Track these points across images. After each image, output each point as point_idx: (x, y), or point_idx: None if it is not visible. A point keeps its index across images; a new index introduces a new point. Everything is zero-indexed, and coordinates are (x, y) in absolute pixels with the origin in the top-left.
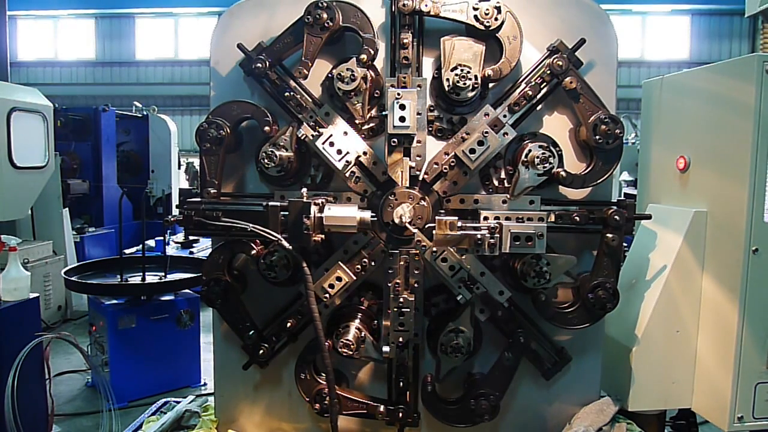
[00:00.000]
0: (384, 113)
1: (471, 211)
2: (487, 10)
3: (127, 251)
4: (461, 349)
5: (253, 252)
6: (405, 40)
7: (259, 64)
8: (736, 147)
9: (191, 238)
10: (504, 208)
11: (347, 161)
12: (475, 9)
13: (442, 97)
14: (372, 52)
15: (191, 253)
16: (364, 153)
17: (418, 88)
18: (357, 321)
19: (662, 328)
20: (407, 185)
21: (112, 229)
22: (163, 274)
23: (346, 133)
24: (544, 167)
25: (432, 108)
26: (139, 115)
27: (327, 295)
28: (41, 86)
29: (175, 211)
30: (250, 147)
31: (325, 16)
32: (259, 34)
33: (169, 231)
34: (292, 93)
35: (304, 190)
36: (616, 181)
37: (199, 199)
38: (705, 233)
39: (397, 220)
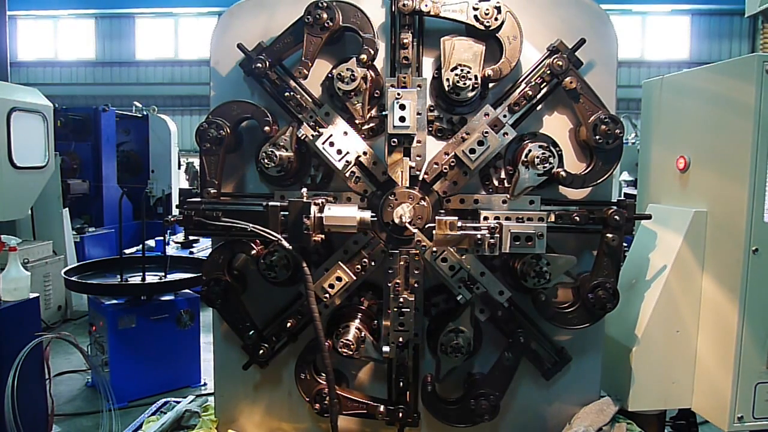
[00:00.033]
0: (384, 113)
1: (471, 211)
2: (487, 10)
3: (127, 251)
4: (461, 349)
5: (253, 252)
6: (405, 40)
7: (259, 64)
8: (736, 147)
9: (191, 238)
10: (504, 208)
11: (347, 161)
12: (475, 9)
13: (442, 97)
14: (372, 52)
15: (191, 253)
16: (364, 153)
17: (418, 88)
18: (357, 321)
19: (662, 328)
20: (407, 185)
21: (112, 229)
22: (163, 274)
23: (346, 133)
24: (544, 167)
25: (432, 108)
26: (139, 115)
27: (327, 295)
28: (41, 86)
29: (175, 211)
30: (250, 147)
31: (325, 16)
32: (259, 34)
33: (169, 231)
34: (292, 93)
35: (304, 190)
36: (616, 181)
37: (199, 199)
38: (705, 233)
39: (397, 220)
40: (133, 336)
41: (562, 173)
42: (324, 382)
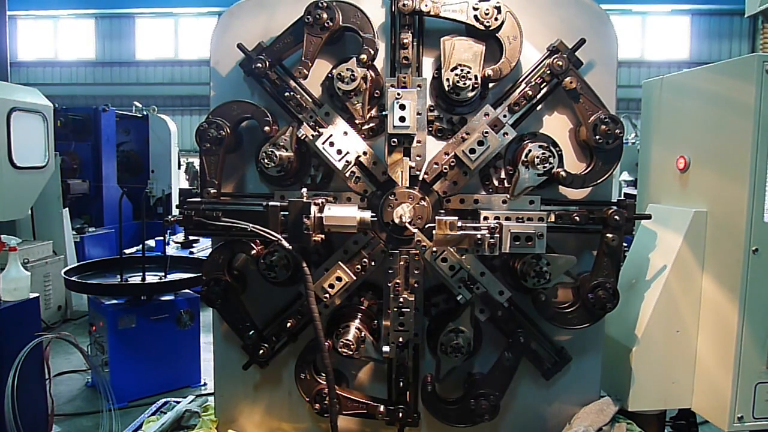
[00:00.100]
0: (384, 113)
1: (471, 211)
2: (487, 10)
3: (127, 251)
4: (461, 349)
5: (253, 252)
6: (405, 40)
7: (259, 64)
8: (736, 147)
9: (191, 238)
10: (504, 208)
11: (347, 161)
12: (475, 9)
13: (442, 97)
14: (372, 52)
15: (191, 253)
16: (364, 153)
17: (418, 88)
18: (357, 321)
19: (662, 328)
20: (407, 185)
21: (112, 229)
22: (163, 274)
23: (346, 133)
24: (544, 167)
25: (432, 108)
26: (139, 115)
27: (327, 295)
28: (41, 86)
29: (175, 211)
30: (250, 147)
31: (325, 16)
32: (259, 34)
33: (169, 231)
34: (292, 93)
35: (304, 190)
36: (616, 181)
37: (199, 199)
38: (705, 233)
39: (397, 220)
40: (133, 336)
41: (562, 173)
42: (324, 382)
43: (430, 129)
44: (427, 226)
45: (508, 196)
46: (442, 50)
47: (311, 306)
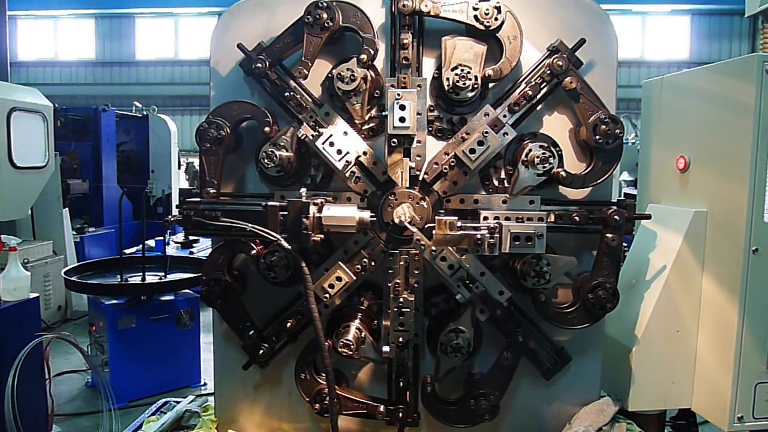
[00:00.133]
0: (384, 113)
1: (471, 211)
2: (487, 10)
3: (127, 251)
4: (461, 349)
5: (253, 252)
6: (405, 41)
7: (259, 64)
8: (736, 147)
9: (191, 238)
10: (504, 208)
11: (347, 161)
12: (475, 9)
13: (442, 97)
14: (372, 52)
15: (191, 253)
16: (364, 153)
17: (418, 89)
18: (357, 321)
19: (662, 328)
20: (407, 185)
21: (112, 229)
22: (163, 274)
23: (346, 133)
24: (544, 167)
25: (432, 108)
26: (139, 115)
27: (327, 295)
28: (41, 86)
29: (175, 211)
30: (250, 147)
31: (325, 16)
32: (259, 34)
33: (169, 231)
34: (292, 93)
35: (303, 190)
36: (616, 181)
37: (198, 199)
38: (705, 233)
39: (396, 220)
40: (133, 336)
41: (562, 173)
42: (324, 382)
43: (430, 129)
44: (427, 226)
45: (508, 196)
46: (443, 50)
47: (311, 306)
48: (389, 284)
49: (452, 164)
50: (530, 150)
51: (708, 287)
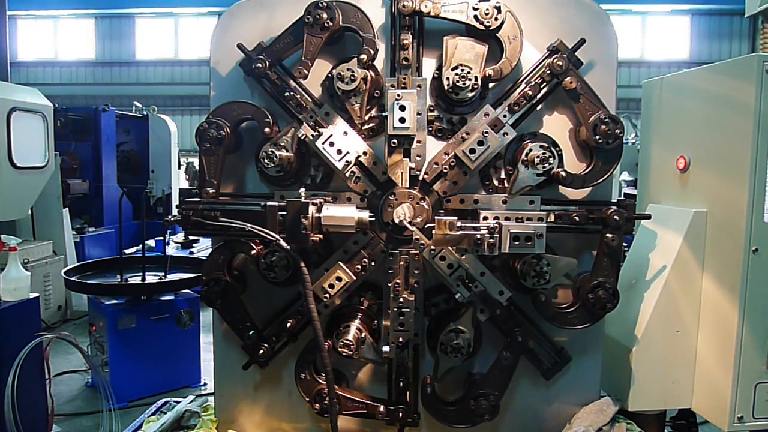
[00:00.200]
0: (384, 113)
1: (471, 211)
2: (487, 10)
3: (127, 251)
4: (461, 349)
5: (253, 252)
6: (405, 41)
7: (259, 64)
8: (736, 147)
9: (191, 238)
10: (504, 208)
11: (347, 161)
12: (475, 9)
13: (442, 97)
14: (372, 52)
15: (191, 253)
16: (364, 153)
17: (418, 89)
18: (357, 321)
19: (662, 328)
20: (407, 185)
21: (112, 229)
22: (163, 274)
23: (346, 133)
24: (543, 167)
25: (432, 108)
26: (139, 115)
27: (327, 295)
28: (41, 86)
29: (175, 211)
30: (250, 147)
31: (325, 16)
32: (259, 34)
33: (169, 231)
34: (292, 93)
35: (302, 190)
36: (616, 181)
37: (198, 199)
38: (705, 233)
39: (396, 220)
40: (133, 336)
41: (562, 173)
42: (324, 382)
43: (430, 129)
44: (426, 226)
45: (508, 195)
46: (444, 49)
47: (310, 306)
48: (389, 284)
49: (452, 164)
50: (530, 150)
51: (708, 287)
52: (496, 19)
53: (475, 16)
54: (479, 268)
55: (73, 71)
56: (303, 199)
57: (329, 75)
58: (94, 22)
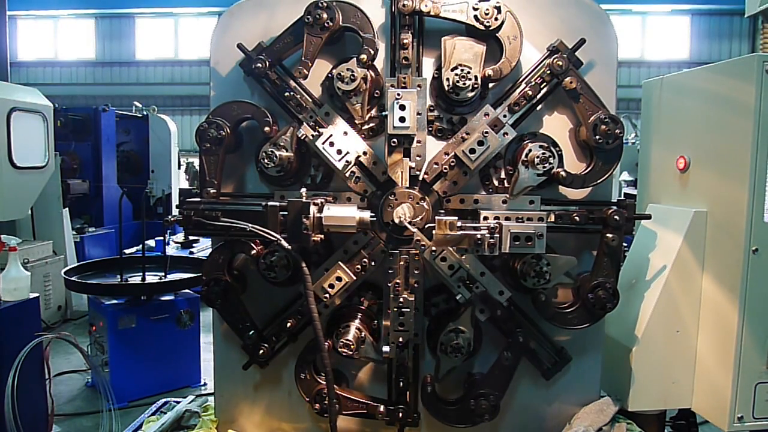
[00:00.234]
0: (384, 113)
1: (471, 211)
2: (487, 10)
3: (127, 251)
4: (461, 349)
5: (253, 252)
6: (405, 41)
7: (259, 64)
8: (736, 147)
9: (191, 238)
10: (504, 208)
11: (347, 161)
12: (475, 9)
13: (442, 97)
14: (372, 52)
15: (191, 253)
16: (364, 153)
17: (418, 88)
18: (357, 321)
19: (662, 328)
20: (407, 185)
21: (112, 229)
22: (163, 274)
23: (346, 133)
24: (544, 167)
25: (432, 108)
26: (139, 115)
27: (327, 295)
28: (41, 86)
29: (175, 211)
30: (250, 147)
31: (325, 16)
32: (259, 34)
33: (169, 231)
34: (292, 93)
35: (303, 190)
36: (616, 181)
37: (198, 199)
38: (705, 233)
39: (396, 220)
40: (133, 336)
41: (562, 173)
42: (324, 382)
43: (430, 129)
44: (426, 226)
45: (508, 196)
46: (443, 50)
47: (311, 306)
48: (389, 284)
49: (452, 164)
50: (530, 150)
51: (708, 287)
52: (496, 19)
53: (475, 16)
54: (479, 269)
55: (73, 71)
56: (304, 199)
57: (329, 75)
58: (94, 22)
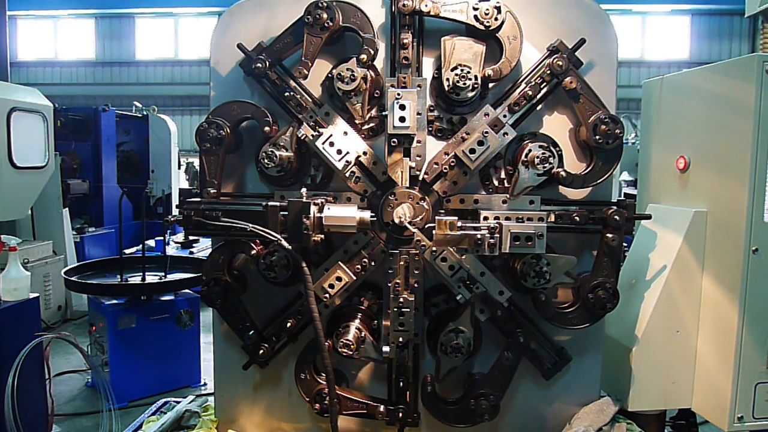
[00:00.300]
0: (384, 113)
1: (471, 211)
2: (487, 10)
3: (127, 251)
4: (461, 349)
5: (253, 252)
6: (405, 40)
7: (259, 64)
8: (736, 147)
9: (191, 238)
10: (504, 208)
11: (347, 161)
12: (475, 9)
13: (442, 97)
14: (372, 52)
15: (191, 253)
16: (364, 153)
17: (418, 88)
18: (357, 321)
19: (662, 328)
20: (407, 185)
21: (112, 229)
22: (163, 274)
23: (346, 133)
24: (544, 167)
25: (432, 108)
26: (139, 115)
27: (327, 295)
28: (41, 86)
29: (175, 211)
30: (250, 147)
31: (325, 16)
32: (259, 34)
33: (169, 231)
34: (292, 93)
35: (304, 190)
36: (616, 181)
37: (198, 199)
38: (705, 233)
39: (396, 220)
40: (133, 336)
41: (562, 173)
42: (324, 382)
43: (430, 129)
44: (427, 226)
45: (508, 196)
46: (443, 50)
47: (311, 306)
48: (389, 284)
49: (452, 164)
50: (530, 150)
51: (708, 287)
52: (496, 19)
53: (475, 16)
54: (479, 269)
55: (73, 71)
56: (305, 199)
57: (329, 75)
58: (94, 22)
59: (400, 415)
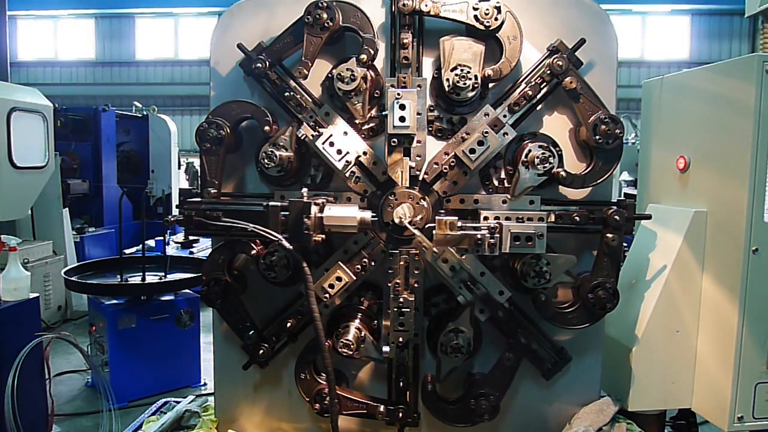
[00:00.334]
0: (384, 113)
1: (471, 211)
2: (487, 10)
3: (127, 251)
4: (461, 349)
5: (253, 252)
6: (405, 40)
7: (259, 64)
8: (736, 147)
9: (191, 238)
10: (504, 208)
11: (347, 161)
12: (475, 9)
13: (442, 97)
14: (372, 52)
15: (191, 253)
16: (364, 153)
17: (418, 88)
18: (357, 321)
19: (662, 328)
20: (407, 185)
21: (112, 229)
22: (163, 274)
23: (346, 133)
24: (544, 167)
25: (432, 108)
26: (139, 115)
27: (327, 295)
28: (41, 86)
29: (175, 211)
30: (250, 147)
31: (325, 16)
32: (259, 34)
33: (169, 231)
34: (292, 93)
35: (305, 190)
36: (616, 181)
37: (199, 199)
38: (705, 233)
39: (397, 220)
40: (133, 336)
41: (562, 173)
42: (324, 382)
43: (430, 129)
44: (427, 226)
45: (508, 196)
46: (442, 50)
47: (311, 306)
48: (389, 284)
49: (452, 164)
50: (530, 150)
51: (708, 287)
52: (496, 19)
53: (475, 16)
54: (479, 269)
55: (73, 71)
56: (306, 199)
57: (329, 75)
58: (94, 22)
59: (400, 415)
